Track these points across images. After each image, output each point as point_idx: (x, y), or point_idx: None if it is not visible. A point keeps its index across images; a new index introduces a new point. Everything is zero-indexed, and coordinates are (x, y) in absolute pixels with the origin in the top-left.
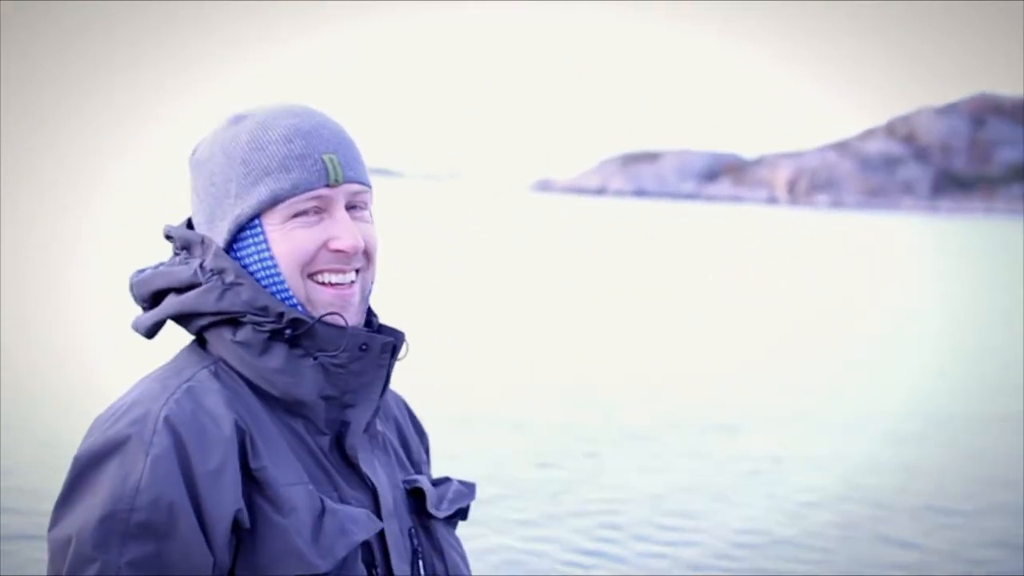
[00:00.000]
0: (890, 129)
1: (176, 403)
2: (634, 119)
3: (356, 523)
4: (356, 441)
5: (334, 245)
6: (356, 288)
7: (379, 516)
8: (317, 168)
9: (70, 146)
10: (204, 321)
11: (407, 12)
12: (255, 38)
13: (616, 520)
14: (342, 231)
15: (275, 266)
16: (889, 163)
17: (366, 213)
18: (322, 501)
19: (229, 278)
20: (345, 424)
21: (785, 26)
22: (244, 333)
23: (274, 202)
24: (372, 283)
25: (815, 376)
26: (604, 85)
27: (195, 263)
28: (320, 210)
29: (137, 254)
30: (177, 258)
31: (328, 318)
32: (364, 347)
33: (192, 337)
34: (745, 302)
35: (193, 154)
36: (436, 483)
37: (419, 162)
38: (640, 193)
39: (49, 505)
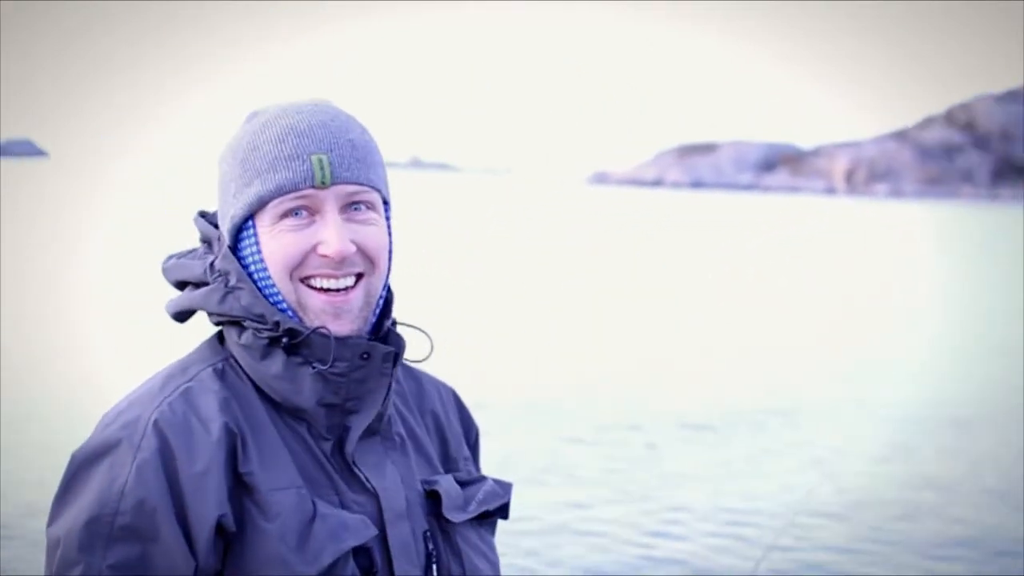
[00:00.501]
0: (949, 117)
1: (168, 406)
2: (691, 110)
3: (347, 529)
4: (355, 447)
5: (321, 250)
6: (356, 294)
7: (381, 521)
8: (304, 169)
9: (70, 146)
10: (212, 319)
11: (463, 5)
12: (255, 38)
13: (680, 503)
14: (329, 235)
15: (265, 269)
16: (948, 151)
17: (371, 215)
18: (314, 505)
19: (232, 281)
20: (347, 430)
21: (841, 16)
22: (247, 337)
23: (261, 203)
24: (382, 287)
25: (875, 364)
26: (660, 77)
27: (209, 259)
28: (312, 211)
29: (136, 254)
30: (200, 249)
31: (329, 328)
32: (366, 356)
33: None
34: (804, 292)
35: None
36: (469, 482)
37: (477, 156)
38: (697, 185)
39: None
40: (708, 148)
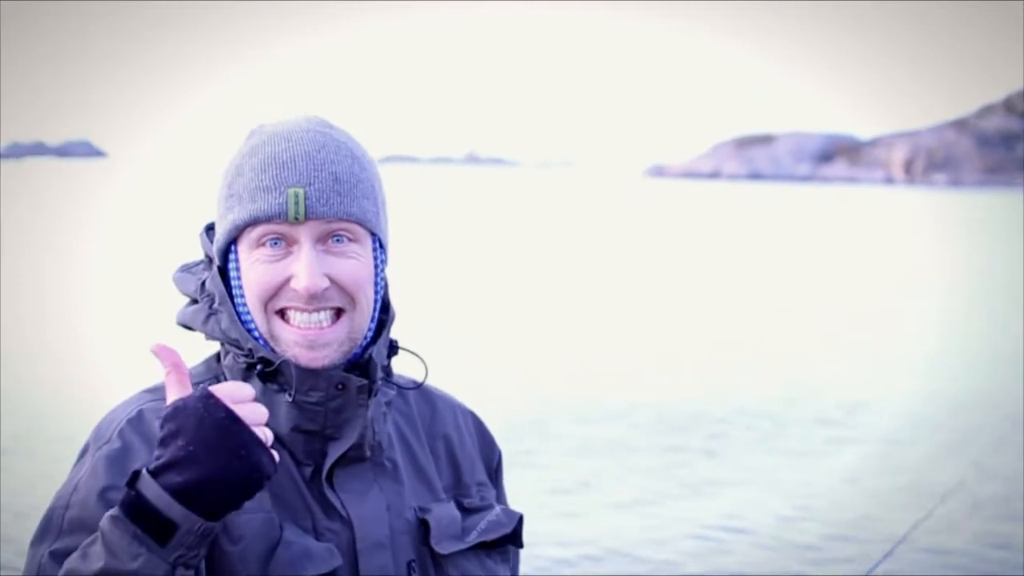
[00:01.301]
0: (1008, 105)
1: (137, 414)
2: (748, 101)
3: (310, 557)
4: (337, 473)
5: (292, 284)
6: (337, 329)
7: (355, 551)
8: (279, 202)
9: (129, 146)
10: (203, 337)
11: (528, 7)
12: (253, 40)
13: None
14: (300, 270)
15: (243, 295)
16: (1008, 140)
17: (351, 247)
18: (281, 531)
19: (215, 303)
20: (325, 456)
21: (898, 4)
22: (229, 359)
23: (236, 231)
24: (368, 321)
25: (936, 354)
26: (717, 68)
27: (204, 276)
28: (290, 243)
29: (136, 255)
30: (202, 263)
31: (301, 361)
32: (340, 386)
33: None
34: (866, 284)
35: None
36: (474, 510)
37: (533, 151)
38: (755, 177)
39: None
40: (765, 139)
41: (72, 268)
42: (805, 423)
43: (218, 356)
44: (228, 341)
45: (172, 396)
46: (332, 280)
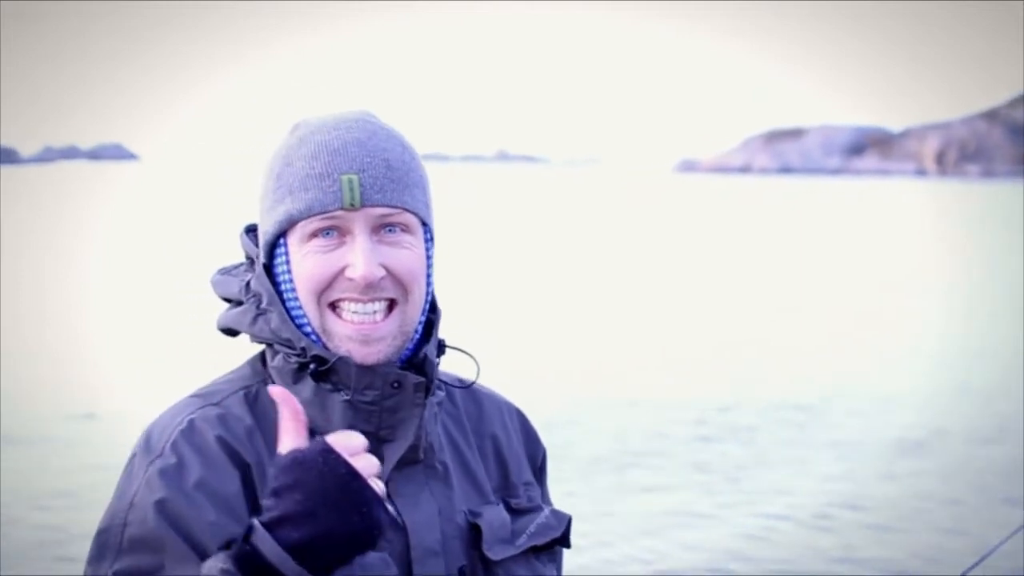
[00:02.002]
0: None
1: (188, 424)
2: (777, 95)
3: (365, 568)
4: (391, 477)
5: (347, 273)
6: (389, 323)
7: (408, 559)
8: (333, 190)
9: (73, 142)
10: (248, 339)
11: (542, 8)
12: (253, 40)
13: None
14: (356, 259)
15: (294, 290)
16: None
17: (404, 237)
18: None
19: (263, 303)
20: (380, 459)
21: (899, 5)
22: (278, 360)
23: (290, 223)
24: (419, 314)
25: (973, 346)
26: (746, 61)
27: (248, 277)
28: (343, 232)
29: (136, 257)
30: (244, 265)
31: (357, 357)
32: (397, 384)
33: None
34: (900, 276)
35: None
36: (523, 511)
37: (564, 148)
38: (785, 170)
39: (50, 500)
40: (796, 133)
41: (72, 268)
42: (839, 417)
43: (263, 358)
44: (279, 341)
45: (287, 445)
46: (387, 270)
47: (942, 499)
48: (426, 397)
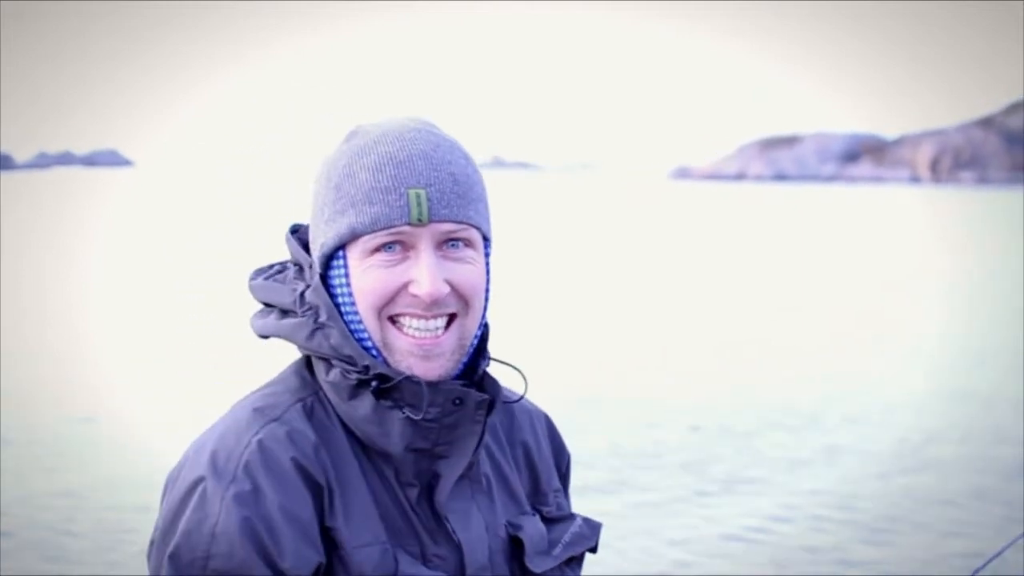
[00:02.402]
0: None
1: (258, 446)
2: (772, 102)
3: None
4: (445, 497)
5: (412, 289)
6: (449, 336)
7: (463, 574)
8: (400, 204)
9: (68, 147)
10: (300, 351)
11: (542, 7)
12: (253, 40)
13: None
14: (421, 275)
15: (353, 303)
16: None
17: (468, 253)
18: (396, 563)
19: (321, 317)
20: (436, 477)
21: (923, 2)
22: (335, 375)
23: (353, 236)
24: (477, 327)
25: (969, 351)
26: (741, 68)
27: (299, 288)
28: (406, 247)
29: (135, 258)
30: (290, 272)
31: (419, 375)
32: (458, 401)
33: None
34: (893, 283)
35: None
36: (556, 520)
37: (558, 154)
38: (780, 178)
39: (50, 500)
40: (790, 140)
41: (72, 268)
42: (837, 422)
43: (309, 367)
44: (339, 358)
45: None
46: (450, 286)
47: (939, 503)
48: (487, 415)
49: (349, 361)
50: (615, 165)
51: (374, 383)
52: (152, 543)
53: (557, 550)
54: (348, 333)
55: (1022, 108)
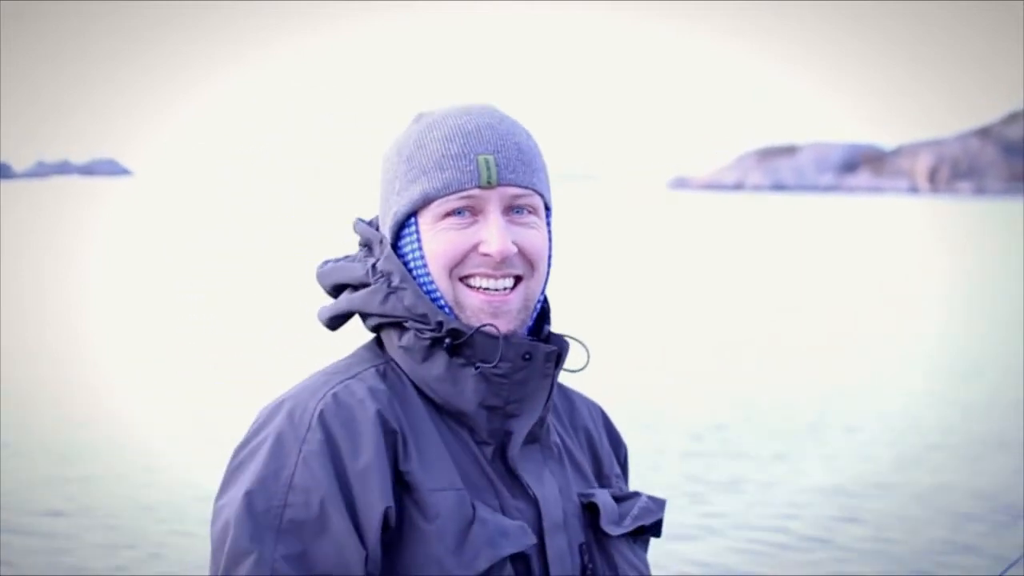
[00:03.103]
0: None
1: (332, 398)
2: (770, 112)
3: (506, 535)
4: (517, 451)
5: (482, 249)
6: (515, 296)
7: (540, 529)
8: (470, 168)
9: (68, 148)
10: (374, 321)
11: (538, 6)
12: (253, 40)
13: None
14: (491, 235)
15: (424, 266)
16: None
17: (532, 218)
18: (474, 509)
19: (394, 281)
20: (508, 434)
21: (921, 12)
22: (407, 338)
23: (425, 201)
24: (540, 291)
25: (968, 360)
26: (739, 79)
27: (371, 261)
28: (475, 212)
29: (135, 259)
30: (360, 252)
31: (489, 329)
32: (527, 356)
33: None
34: (891, 292)
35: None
36: (622, 498)
37: (557, 163)
38: (778, 187)
39: (50, 500)
40: (789, 150)
41: (72, 269)
42: (835, 429)
43: (378, 342)
44: (413, 317)
45: None
46: (517, 247)
47: (940, 511)
48: (556, 368)
49: (423, 320)
50: (614, 175)
51: (447, 340)
52: (221, 491)
53: (627, 521)
54: (421, 292)
55: (1020, 118)
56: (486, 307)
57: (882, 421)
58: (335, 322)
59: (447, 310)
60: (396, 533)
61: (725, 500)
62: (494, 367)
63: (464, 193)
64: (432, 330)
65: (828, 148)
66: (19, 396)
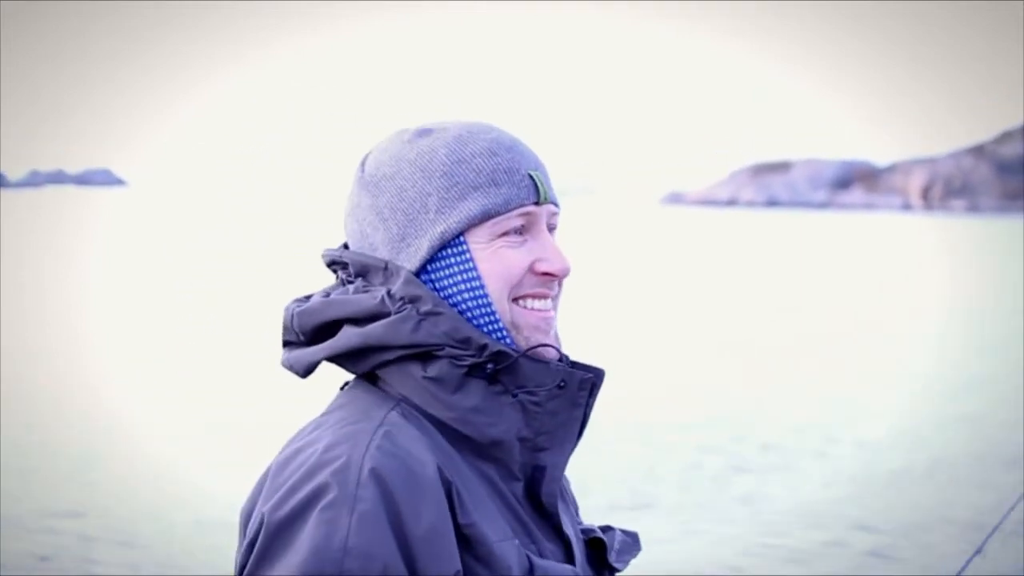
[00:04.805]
0: None
1: (379, 450)
2: (764, 128)
3: None
4: (552, 488)
5: (542, 268)
6: (555, 316)
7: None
8: (526, 184)
9: (67, 148)
10: (391, 356)
11: (529, 16)
12: (253, 40)
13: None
14: (551, 253)
15: (482, 287)
16: None
17: (556, 236)
18: (529, 559)
19: (425, 307)
20: (539, 469)
21: (915, 29)
22: (438, 368)
23: (485, 217)
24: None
25: (961, 377)
26: (732, 95)
27: (379, 292)
28: (524, 230)
29: (135, 259)
30: (350, 286)
31: (539, 351)
32: (562, 384)
33: (344, 376)
34: (883, 311)
35: (364, 172)
36: (604, 531)
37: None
38: (772, 203)
39: (50, 500)
40: (782, 166)
41: (72, 270)
42: (825, 446)
43: (372, 381)
44: (452, 344)
45: None
46: None
47: (941, 522)
48: (590, 397)
49: (463, 346)
50: (608, 190)
51: (489, 365)
52: (260, 563)
53: (612, 556)
54: (459, 316)
55: (1014, 136)
56: (541, 324)
57: (876, 436)
58: (315, 367)
59: (505, 334)
60: None
61: (721, 509)
62: (533, 394)
63: (523, 210)
64: (472, 355)
65: (822, 165)
66: (19, 396)
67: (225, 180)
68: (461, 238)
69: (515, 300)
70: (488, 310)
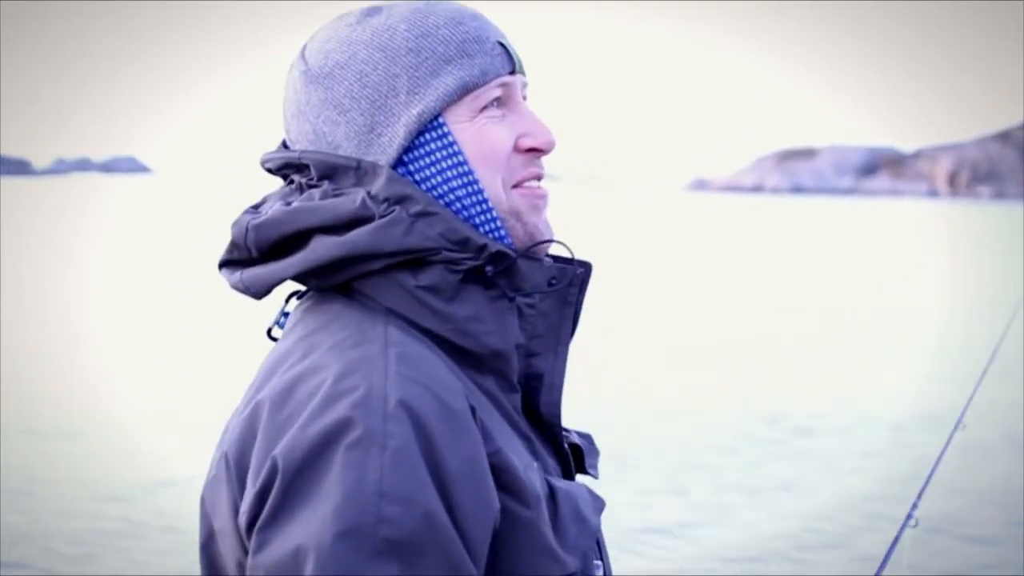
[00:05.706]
0: None
1: (401, 376)
2: (790, 114)
3: (585, 504)
4: (552, 397)
5: (528, 143)
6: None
7: None
8: (498, 52)
9: (67, 148)
10: (377, 265)
11: (558, 7)
12: (253, 40)
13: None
14: (535, 126)
15: (471, 172)
16: None
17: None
18: (549, 484)
19: (415, 207)
20: (535, 377)
21: (941, 17)
22: (432, 275)
23: (463, 91)
24: None
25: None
26: (760, 81)
27: (357, 194)
28: (502, 103)
29: (135, 258)
30: (315, 191)
31: (537, 248)
32: (553, 282)
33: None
34: (909, 297)
35: (307, 64)
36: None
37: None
38: (797, 190)
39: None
40: (808, 153)
41: (72, 268)
42: (862, 427)
43: (345, 296)
44: (449, 247)
45: None
46: None
47: (943, 523)
48: (580, 292)
49: (460, 247)
50: (633, 177)
51: (489, 268)
52: (264, 535)
53: (588, 463)
54: (454, 215)
55: None
56: (541, 203)
57: (901, 427)
58: (275, 286)
59: (500, 224)
60: (497, 533)
61: (740, 502)
62: (529, 297)
63: (501, 80)
64: (470, 258)
65: (847, 151)
66: (19, 396)
67: (225, 180)
68: (440, 119)
69: (514, 187)
70: (480, 198)
